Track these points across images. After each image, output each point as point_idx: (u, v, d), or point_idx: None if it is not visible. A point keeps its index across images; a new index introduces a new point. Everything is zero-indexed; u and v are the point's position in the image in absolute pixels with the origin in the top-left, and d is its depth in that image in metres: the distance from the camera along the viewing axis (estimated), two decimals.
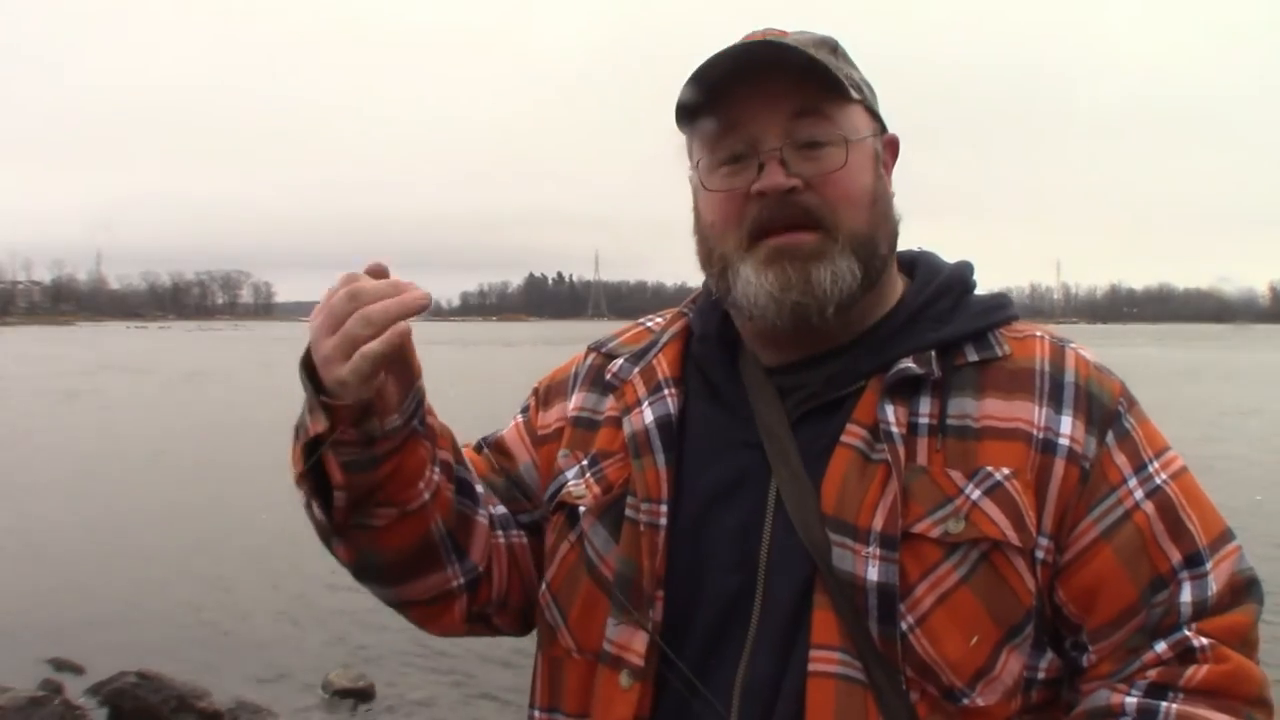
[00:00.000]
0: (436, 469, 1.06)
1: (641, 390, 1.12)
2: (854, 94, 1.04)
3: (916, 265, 1.15)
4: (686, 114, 1.06)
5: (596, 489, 1.10)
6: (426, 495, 1.05)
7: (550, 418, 1.21)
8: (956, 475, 0.98)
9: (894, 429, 0.99)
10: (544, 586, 1.14)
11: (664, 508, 1.05)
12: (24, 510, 10.55)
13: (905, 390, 1.01)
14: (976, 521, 0.96)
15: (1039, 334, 1.07)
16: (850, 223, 1.02)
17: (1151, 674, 0.95)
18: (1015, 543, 0.96)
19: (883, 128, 1.10)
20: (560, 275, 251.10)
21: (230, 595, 7.54)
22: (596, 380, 1.18)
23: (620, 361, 1.17)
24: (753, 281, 1.02)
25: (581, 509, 1.11)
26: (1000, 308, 1.09)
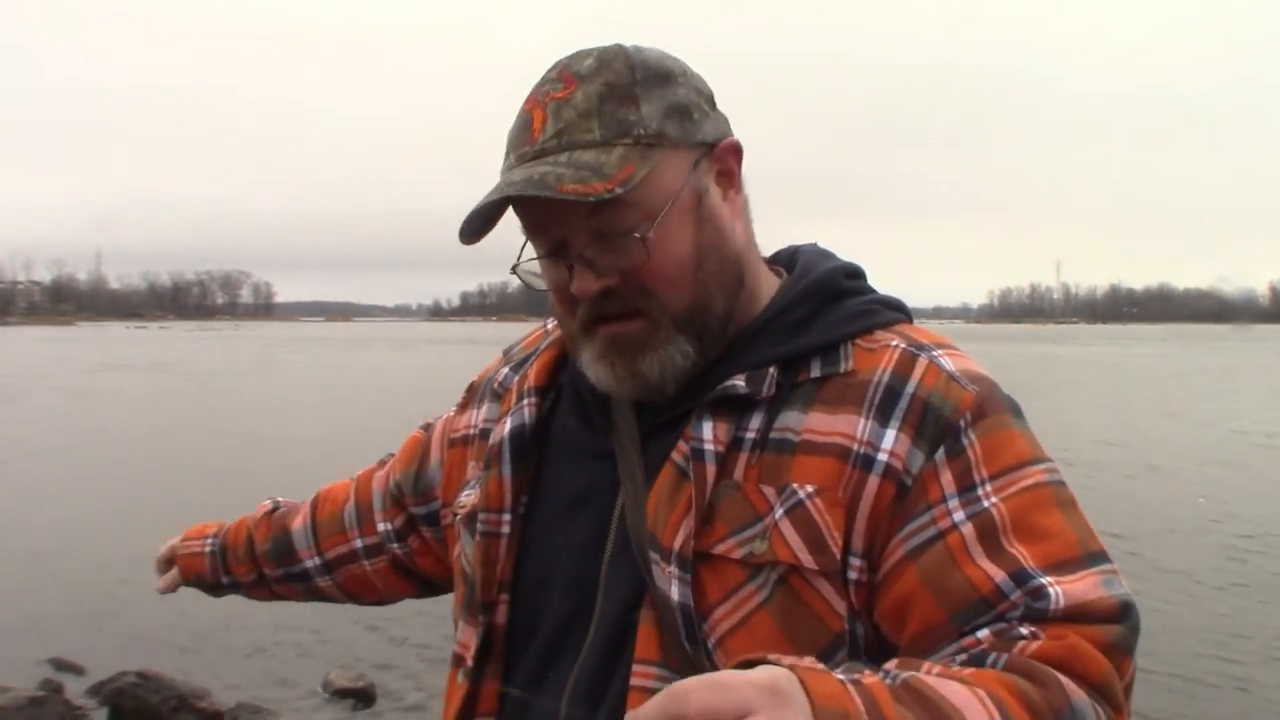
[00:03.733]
0: (274, 588, 1.53)
1: (513, 399, 1.14)
2: (653, 154, 0.95)
3: (793, 268, 1.09)
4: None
5: (476, 498, 1.12)
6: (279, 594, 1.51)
7: (464, 421, 1.23)
8: (769, 492, 0.94)
9: (706, 446, 0.96)
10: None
11: (505, 516, 1.07)
12: (24, 509, 10.56)
13: (734, 406, 0.98)
14: (775, 543, 0.92)
15: (894, 342, 0.99)
16: (673, 304, 0.98)
17: (967, 655, 0.85)
18: (810, 566, 0.91)
19: (710, 145, 1.00)
20: None
21: (231, 595, 7.53)
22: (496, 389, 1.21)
23: (505, 370, 1.20)
24: (590, 369, 1.02)
25: (455, 517, 1.15)
26: (863, 315, 1.02)
